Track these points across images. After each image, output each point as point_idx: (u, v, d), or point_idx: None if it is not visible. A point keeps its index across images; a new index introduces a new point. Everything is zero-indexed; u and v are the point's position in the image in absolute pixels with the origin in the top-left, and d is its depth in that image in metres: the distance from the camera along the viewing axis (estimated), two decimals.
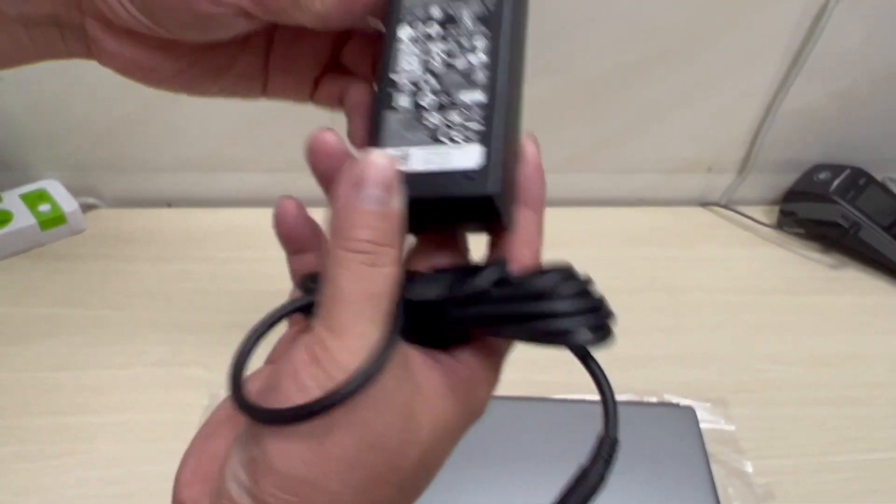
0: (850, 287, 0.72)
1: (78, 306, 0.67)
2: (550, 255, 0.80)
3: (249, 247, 0.73)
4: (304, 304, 0.28)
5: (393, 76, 0.29)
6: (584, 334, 0.25)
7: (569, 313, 0.25)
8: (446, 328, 0.27)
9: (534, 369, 0.62)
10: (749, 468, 0.55)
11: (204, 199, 0.79)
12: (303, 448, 0.24)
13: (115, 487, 0.53)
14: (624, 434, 0.53)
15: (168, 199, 0.80)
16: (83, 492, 0.52)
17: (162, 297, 0.68)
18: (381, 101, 0.29)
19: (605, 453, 0.27)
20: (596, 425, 0.55)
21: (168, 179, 0.79)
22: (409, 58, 0.29)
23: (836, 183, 0.74)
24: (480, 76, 0.28)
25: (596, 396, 0.27)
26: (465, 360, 0.28)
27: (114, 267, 0.71)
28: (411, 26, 0.29)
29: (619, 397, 0.60)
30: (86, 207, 0.77)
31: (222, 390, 0.59)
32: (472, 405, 0.28)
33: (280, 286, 0.68)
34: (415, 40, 0.29)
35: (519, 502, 0.50)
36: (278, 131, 0.75)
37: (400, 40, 0.29)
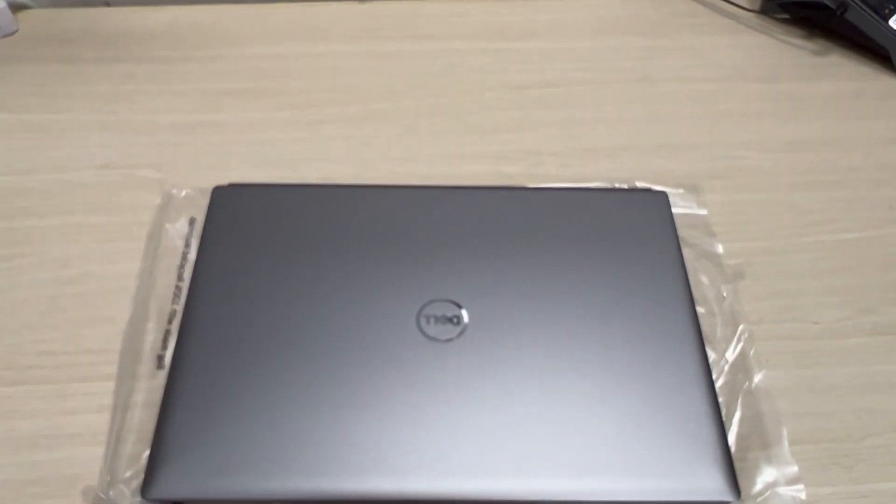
0: (832, 73, 0.69)
1: (15, 111, 0.62)
2: (521, 46, 0.76)
3: (194, 46, 0.68)
4: None
5: None
6: None
7: None
8: None
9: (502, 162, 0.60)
10: (720, 250, 0.54)
11: None
12: None
13: (70, 287, 0.51)
14: (595, 218, 0.52)
15: None
16: (37, 293, 0.51)
17: (105, 100, 0.63)
18: None
19: None
20: (564, 210, 0.52)
21: None
22: None
23: None
24: None
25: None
26: None
27: (51, 69, 0.66)
28: None
29: (589, 185, 0.58)
30: (15, 7, 0.70)
31: (175, 189, 0.57)
32: None
33: (230, 84, 0.65)
34: None
35: (501, 286, 0.49)
36: None
37: None
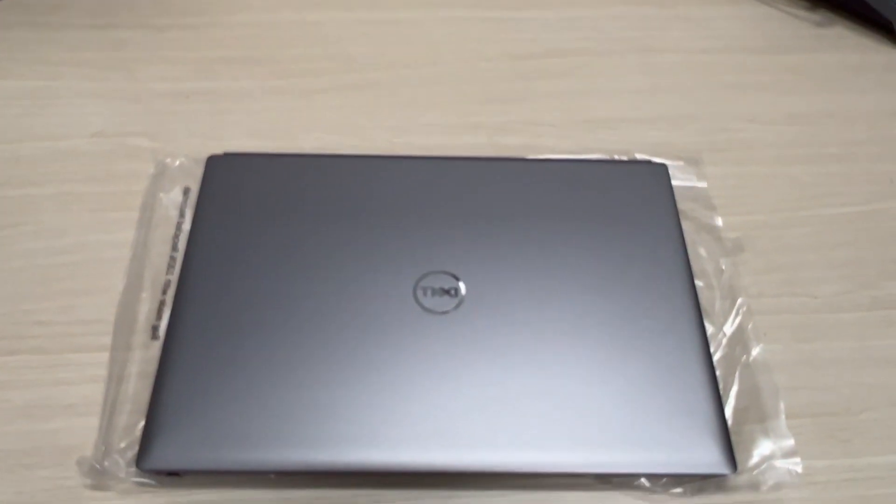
0: (834, 45, 0.68)
1: (5, 77, 0.61)
2: (520, 15, 0.75)
3: (188, 13, 0.67)
4: None
5: None
6: None
7: None
8: None
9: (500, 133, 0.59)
10: (719, 223, 0.54)
11: None
12: None
13: (64, 257, 0.50)
14: (594, 190, 0.52)
15: None
16: (31, 263, 0.50)
17: (97, 67, 0.62)
18: None
19: None
20: (563, 182, 0.51)
21: None
22: None
23: None
24: None
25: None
26: None
27: (42, 35, 0.64)
28: None
29: (589, 156, 0.58)
30: None
31: (169, 158, 0.56)
32: None
33: (225, 52, 0.63)
34: None
35: (499, 258, 0.48)
36: None
37: None
